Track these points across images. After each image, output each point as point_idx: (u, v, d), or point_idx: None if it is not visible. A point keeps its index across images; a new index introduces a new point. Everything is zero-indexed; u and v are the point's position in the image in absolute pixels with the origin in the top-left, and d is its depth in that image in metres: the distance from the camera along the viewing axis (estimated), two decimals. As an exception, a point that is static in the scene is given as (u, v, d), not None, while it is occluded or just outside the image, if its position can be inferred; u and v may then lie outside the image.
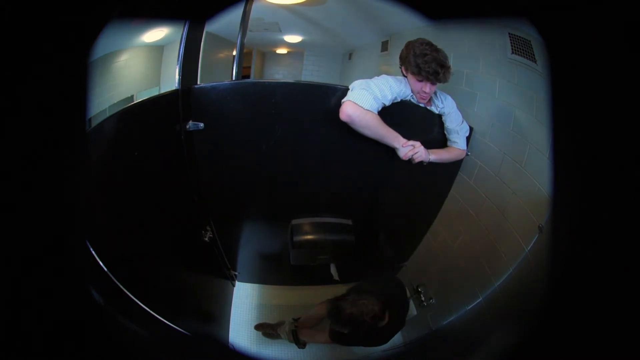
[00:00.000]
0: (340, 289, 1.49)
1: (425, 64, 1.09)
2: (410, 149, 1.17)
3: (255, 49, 1.28)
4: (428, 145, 1.21)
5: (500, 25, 1.09)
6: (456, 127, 1.23)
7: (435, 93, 1.20)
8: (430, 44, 1.10)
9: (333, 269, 1.55)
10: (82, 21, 0.42)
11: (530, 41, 1.03)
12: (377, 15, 1.27)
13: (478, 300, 1.20)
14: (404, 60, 1.14)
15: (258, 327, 1.49)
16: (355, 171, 1.34)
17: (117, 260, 0.71)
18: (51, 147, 0.42)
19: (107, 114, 0.86)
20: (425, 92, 1.15)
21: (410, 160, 1.18)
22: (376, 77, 1.14)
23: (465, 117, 1.24)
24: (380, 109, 1.12)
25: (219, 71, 1.27)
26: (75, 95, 0.43)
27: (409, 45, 1.13)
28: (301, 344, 1.42)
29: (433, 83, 1.13)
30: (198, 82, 1.17)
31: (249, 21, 1.21)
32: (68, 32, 0.41)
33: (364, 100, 1.09)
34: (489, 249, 1.24)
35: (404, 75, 1.16)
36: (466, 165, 1.31)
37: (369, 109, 1.09)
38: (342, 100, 1.12)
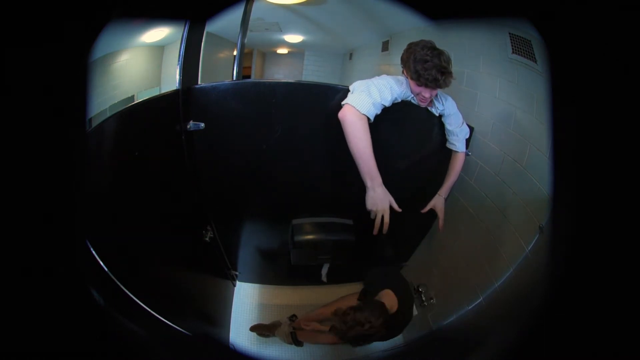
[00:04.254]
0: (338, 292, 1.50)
1: (425, 70, 1.05)
2: (376, 223, 1.16)
3: (255, 49, 1.28)
4: (427, 145, 1.21)
5: (501, 25, 1.08)
6: (455, 129, 1.22)
7: (435, 94, 1.19)
8: (432, 48, 1.05)
9: (324, 270, 1.54)
10: (82, 21, 0.42)
11: (530, 41, 1.03)
12: (377, 15, 1.26)
13: (478, 300, 1.20)
14: (404, 63, 1.12)
15: (253, 328, 1.49)
16: (356, 171, 1.33)
17: (117, 260, 0.71)
18: (51, 147, 0.42)
19: (108, 114, 0.86)
20: (424, 97, 1.13)
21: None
22: (377, 77, 1.14)
23: (466, 117, 1.23)
24: (379, 112, 1.12)
25: (219, 71, 1.27)
26: (75, 95, 0.43)
27: (410, 49, 1.09)
28: (300, 344, 1.43)
29: (433, 89, 1.11)
30: (198, 82, 1.17)
31: (250, 21, 1.21)
32: (68, 32, 0.41)
33: (362, 105, 1.08)
34: (489, 248, 1.24)
35: (404, 76, 1.15)
36: (466, 165, 1.31)
37: (366, 114, 1.08)
38: (342, 102, 1.11)
